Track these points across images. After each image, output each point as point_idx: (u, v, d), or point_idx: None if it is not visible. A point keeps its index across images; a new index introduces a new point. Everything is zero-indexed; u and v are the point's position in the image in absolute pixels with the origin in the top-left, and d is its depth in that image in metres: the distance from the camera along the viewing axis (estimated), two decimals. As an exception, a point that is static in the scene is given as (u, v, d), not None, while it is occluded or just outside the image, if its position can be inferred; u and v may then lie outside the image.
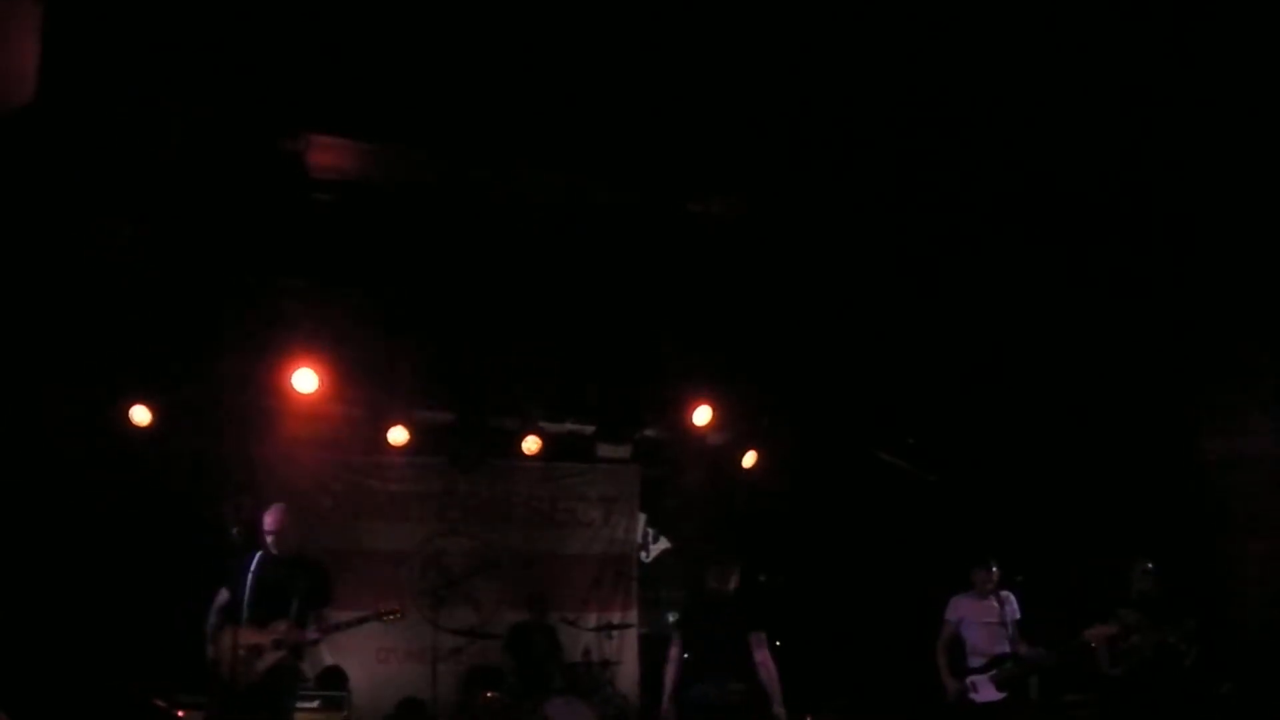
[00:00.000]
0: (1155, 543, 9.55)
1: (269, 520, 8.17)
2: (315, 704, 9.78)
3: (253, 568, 7.79)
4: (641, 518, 12.98)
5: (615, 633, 11.65)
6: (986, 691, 9.31)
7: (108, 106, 7.31)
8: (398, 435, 11.40)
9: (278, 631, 7.85)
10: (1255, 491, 9.59)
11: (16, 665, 8.33)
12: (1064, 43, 6.89)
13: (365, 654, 11.21)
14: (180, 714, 8.58)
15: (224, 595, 7.99)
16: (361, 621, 8.65)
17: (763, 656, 8.38)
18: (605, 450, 12.74)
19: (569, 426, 12.32)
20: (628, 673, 11.92)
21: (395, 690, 10.92)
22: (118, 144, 7.70)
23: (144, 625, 9.54)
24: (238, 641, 7.70)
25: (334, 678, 10.49)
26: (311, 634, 8.11)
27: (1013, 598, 9.44)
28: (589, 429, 12.43)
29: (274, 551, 8.06)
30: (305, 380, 10.25)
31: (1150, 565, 9.00)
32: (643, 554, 12.97)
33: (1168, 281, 9.36)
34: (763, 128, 7.95)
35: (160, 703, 8.65)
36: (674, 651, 8.64)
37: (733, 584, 8.67)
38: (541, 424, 11.94)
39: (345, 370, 10.61)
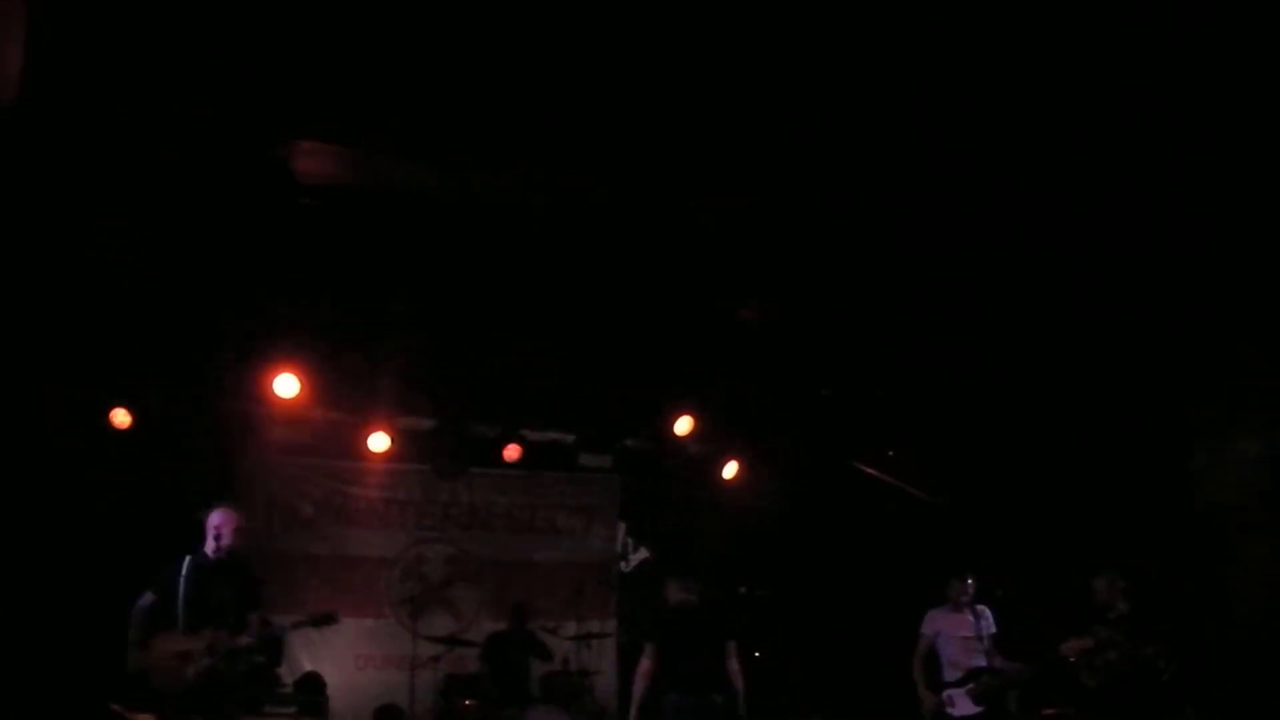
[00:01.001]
0: (1144, 551, 9.59)
1: (231, 522, 7.96)
2: (293, 710, 9.77)
3: (185, 573, 7.55)
4: (621, 527, 13.00)
5: (594, 642, 11.62)
6: (964, 705, 9.32)
7: (104, 107, 7.30)
8: (379, 442, 11.39)
9: (207, 637, 7.61)
10: (1248, 498, 9.60)
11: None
12: (1063, 43, 6.91)
13: (343, 660, 11.22)
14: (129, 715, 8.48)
15: (149, 599, 7.72)
16: (296, 626, 8.51)
17: (736, 665, 8.57)
18: (586, 459, 12.77)
19: (550, 435, 12.33)
20: (606, 682, 11.92)
21: (373, 697, 10.90)
22: (102, 148, 7.70)
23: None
24: (170, 648, 7.55)
25: (312, 684, 10.48)
26: (245, 639, 7.82)
27: (988, 612, 9.46)
28: (570, 438, 12.46)
29: (217, 555, 7.86)
30: (287, 385, 10.25)
31: (1108, 578, 9.03)
32: (622, 563, 12.96)
33: (1160, 287, 9.37)
34: (752, 138, 7.98)
35: (117, 707, 8.58)
36: (647, 664, 8.64)
37: (697, 595, 8.80)
38: (523, 432, 11.94)
39: (327, 376, 10.62)
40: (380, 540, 12.00)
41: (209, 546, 7.90)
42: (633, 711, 8.58)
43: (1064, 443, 10.65)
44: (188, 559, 7.67)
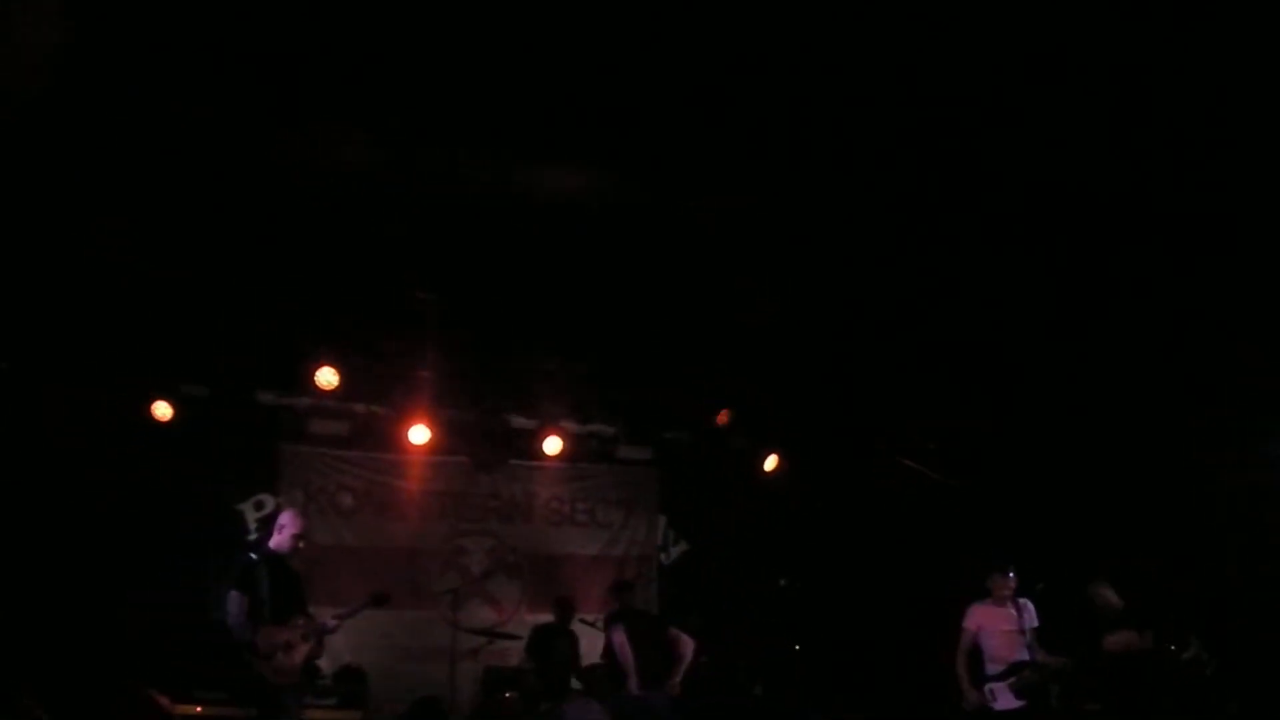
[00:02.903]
0: (1174, 550, 9.52)
1: (300, 523, 8.42)
2: (333, 701, 9.82)
3: (264, 568, 7.98)
4: (661, 520, 12.97)
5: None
6: (1005, 699, 9.26)
7: (111, 106, 7.35)
8: (419, 434, 11.40)
9: (299, 625, 8.03)
10: (1270, 500, 9.52)
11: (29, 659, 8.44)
12: (1068, 44, 6.85)
13: (384, 652, 11.24)
14: (173, 706, 8.59)
15: (240, 598, 7.98)
16: (364, 607, 8.87)
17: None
18: (626, 452, 12.74)
19: (590, 428, 12.34)
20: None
21: (413, 689, 10.85)
22: (135, 142, 7.76)
23: (163, 622, 9.61)
24: (275, 639, 7.92)
25: (352, 675, 10.52)
26: (331, 622, 8.34)
27: (1030, 605, 9.38)
28: (610, 430, 12.45)
29: (279, 550, 8.28)
30: (327, 378, 10.31)
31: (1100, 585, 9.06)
32: (662, 556, 12.94)
33: (1183, 290, 9.29)
34: (779, 127, 7.95)
35: (161, 699, 8.67)
36: (623, 638, 10.10)
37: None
38: (563, 424, 11.95)
39: (367, 368, 10.67)
40: (420, 532, 12.00)
41: (274, 541, 8.33)
42: (634, 678, 9.82)
43: (1102, 441, 10.57)
44: (255, 555, 8.14)
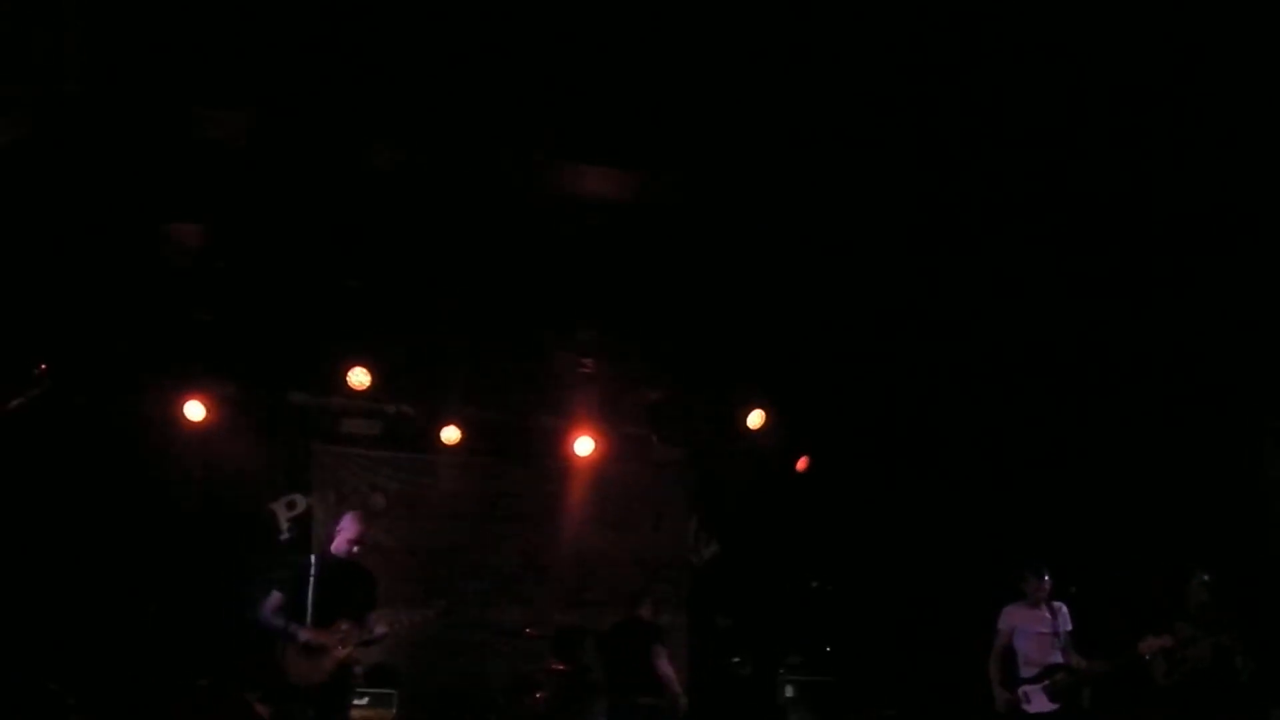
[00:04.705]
0: (1214, 555, 9.42)
1: (356, 528, 8.47)
2: (365, 701, 9.85)
3: (314, 570, 7.89)
4: (693, 520, 12.93)
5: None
6: (1039, 702, 9.19)
7: (136, 110, 7.39)
8: (450, 434, 11.44)
9: (341, 631, 7.99)
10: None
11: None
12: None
13: (415, 652, 11.25)
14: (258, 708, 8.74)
15: (278, 598, 8.10)
16: (425, 621, 9.09)
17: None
18: (657, 453, 12.73)
19: (622, 428, 12.32)
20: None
21: (444, 688, 10.95)
22: (174, 144, 7.80)
23: (197, 622, 9.68)
24: (306, 642, 7.92)
25: (384, 675, 10.53)
26: (379, 630, 8.36)
27: (1064, 608, 9.32)
28: (641, 431, 12.43)
29: (340, 554, 8.34)
30: (359, 378, 10.35)
31: (1207, 577, 8.87)
32: (693, 556, 12.90)
33: (1233, 291, 9.20)
34: (815, 124, 7.93)
35: (259, 706, 8.81)
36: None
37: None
38: (594, 425, 11.94)
39: (399, 368, 10.71)
40: (451, 532, 12.01)
41: (334, 545, 8.44)
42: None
43: (1140, 442, 10.47)
44: (313, 557, 8.08)
